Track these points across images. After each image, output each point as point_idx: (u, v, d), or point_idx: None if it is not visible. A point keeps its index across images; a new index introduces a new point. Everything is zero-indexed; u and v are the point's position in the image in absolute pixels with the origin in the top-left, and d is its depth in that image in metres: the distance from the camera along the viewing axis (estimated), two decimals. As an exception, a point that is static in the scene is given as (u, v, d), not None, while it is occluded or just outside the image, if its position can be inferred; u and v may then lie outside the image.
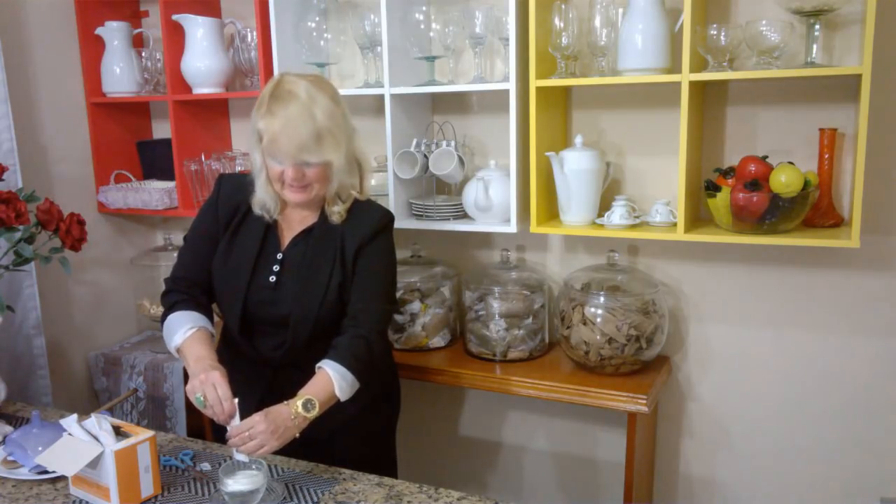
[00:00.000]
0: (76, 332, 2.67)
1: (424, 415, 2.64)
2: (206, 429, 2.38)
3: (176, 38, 2.47)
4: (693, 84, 1.84)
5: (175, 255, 1.84)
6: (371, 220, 1.68)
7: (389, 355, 1.91)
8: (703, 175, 2.06)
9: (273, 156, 1.57)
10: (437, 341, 2.33)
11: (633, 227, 2.02)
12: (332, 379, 1.53)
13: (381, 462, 1.85)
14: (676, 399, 2.28)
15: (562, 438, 2.47)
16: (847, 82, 1.89)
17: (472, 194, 2.15)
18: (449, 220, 2.22)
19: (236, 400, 1.49)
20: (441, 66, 2.27)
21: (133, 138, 2.81)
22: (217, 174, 2.33)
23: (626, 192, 2.19)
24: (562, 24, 2.00)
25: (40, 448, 1.57)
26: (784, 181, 1.79)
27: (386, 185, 2.24)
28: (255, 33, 2.41)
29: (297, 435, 1.48)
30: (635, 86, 2.10)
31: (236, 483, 1.42)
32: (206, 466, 1.62)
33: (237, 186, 1.72)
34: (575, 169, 2.02)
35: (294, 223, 1.71)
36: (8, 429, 1.78)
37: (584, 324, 2.06)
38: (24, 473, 1.57)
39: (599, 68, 2.04)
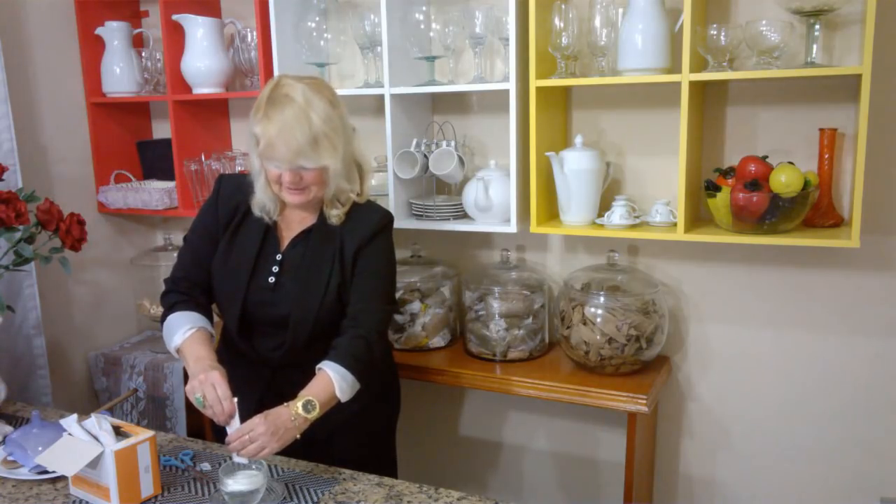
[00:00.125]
0: (76, 332, 2.67)
1: (424, 415, 2.64)
2: (206, 429, 2.38)
3: (176, 38, 2.47)
4: (693, 84, 1.84)
5: (175, 255, 1.84)
6: (370, 220, 1.68)
7: (389, 355, 1.91)
8: (703, 175, 2.06)
9: (270, 160, 1.56)
10: (437, 341, 2.33)
11: (633, 227, 2.02)
12: (333, 380, 1.53)
13: (381, 462, 1.85)
14: (676, 399, 2.28)
15: (562, 438, 2.47)
16: (847, 82, 1.89)
17: (472, 194, 2.15)
18: (449, 220, 2.22)
19: (235, 399, 1.49)
20: (441, 66, 2.27)
21: (133, 138, 2.81)
22: (217, 174, 2.33)
23: (626, 192, 2.19)
24: (562, 24, 2.00)
25: (40, 448, 1.57)
26: (784, 181, 1.79)
27: (386, 185, 2.24)
28: (255, 33, 2.41)
29: (298, 436, 1.48)
30: (635, 86, 2.10)
31: (236, 483, 1.42)
32: (206, 466, 1.62)
33: (237, 187, 1.72)
34: (575, 169, 2.02)
35: (293, 224, 1.71)
36: (8, 429, 1.78)
37: (584, 324, 2.06)
38: (24, 473, 1.57)
39: (599, 68, 2.04)
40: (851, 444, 2.09)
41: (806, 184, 1.80)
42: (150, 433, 1.50)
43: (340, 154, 1.58)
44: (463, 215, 2.23)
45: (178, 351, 1.64)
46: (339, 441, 1.74)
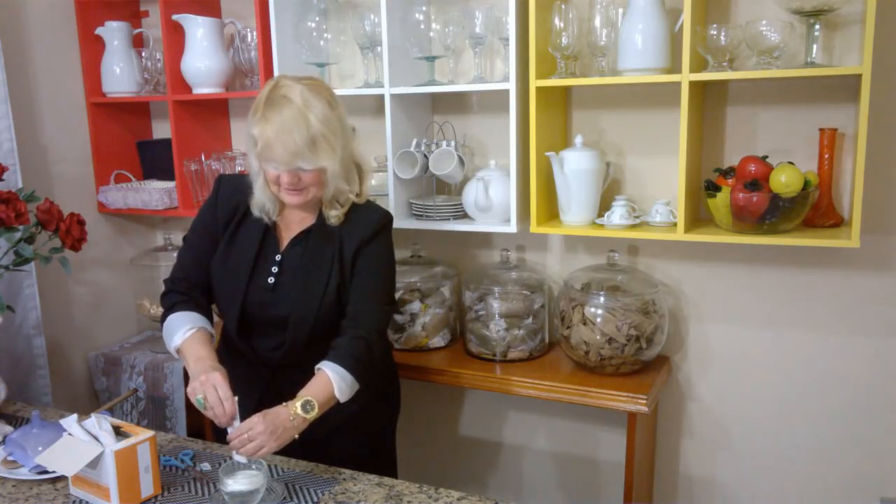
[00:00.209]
0: (76, 332, 2.67)
1: (424, 415, 2.64)
2: (206, 429, 2.38)
3: (176, 38, 2.47)
4: (693, 84, 1.84)
5: (175, 255, 1.84)
6: (370, 220, 1.68)
7: (389, 355, 1.91)
8: (703, 175, 2.06)
9: (268, 161, 1.56)
10: (437, 341, 2.33)
11: (633, 227, 2.02)
12: (332, 380, 1.53)
13: (381, 462, 1.85)
14: (676, 399, 2.28)
15: (562, 438, 2.47)
16: (847, 82, 1.88)
17: (472, 194, 2.15)
18: (449, 220, 2.22)
19: (236, 399, 1.49)
20: (441, 66, 2.27)
21: (133, 138, 2.81)
22: (217, 174, 2.33)
23: (626, 192, 2.19)
24: (562, 24, 2.00)
25: (40, 448, 1.57)
26: (784, 181, 1.79)
27: (386, 185, 2.24)
28: (255, 33, 2.41)
29: (296, 436, 1.48)
30: (635, 86, 2.10)
31: (236, 483, 1.43)
32: (206, 466, 1.62)
33: (236, 187, 1.72)
34: (575, 169, 2.02)
35: (293, 224, 1.71)
36: (8, 429, 1.78)
37: (584, 324, 2.06)
38: (24, 473, 1.57)
39: (599, 68, 2.04)
40: (851, 444, 2.09)
41: (806, 184, 1.81)
42: (150, 433, 1.50)
43: (339, 155, 1.57)
44: (463, 215, 2.23)
45: (178, 351, 1.64)
46: (339, 441, 1.74)
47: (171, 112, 2.50)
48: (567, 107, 2.22)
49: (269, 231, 1.70)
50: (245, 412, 1.50)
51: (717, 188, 1.89)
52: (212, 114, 2.65)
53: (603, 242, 2.25)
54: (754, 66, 1.87)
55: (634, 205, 2.07)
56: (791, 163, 1.87)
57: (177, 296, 1.71)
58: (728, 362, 2.20)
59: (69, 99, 2.60)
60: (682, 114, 1.84)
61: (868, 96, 1.66)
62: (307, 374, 1.56)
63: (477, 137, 2.35)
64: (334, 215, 1.66)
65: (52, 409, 1.99)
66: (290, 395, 1.52)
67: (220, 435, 1.74)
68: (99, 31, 2.61)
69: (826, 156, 1.89)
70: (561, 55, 2.03)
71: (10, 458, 1.61)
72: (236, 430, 1.46)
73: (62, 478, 1.56)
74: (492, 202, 2.12)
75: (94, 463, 1.44)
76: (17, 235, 1.91)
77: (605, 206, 2.09)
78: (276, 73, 2.28)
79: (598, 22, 1.98)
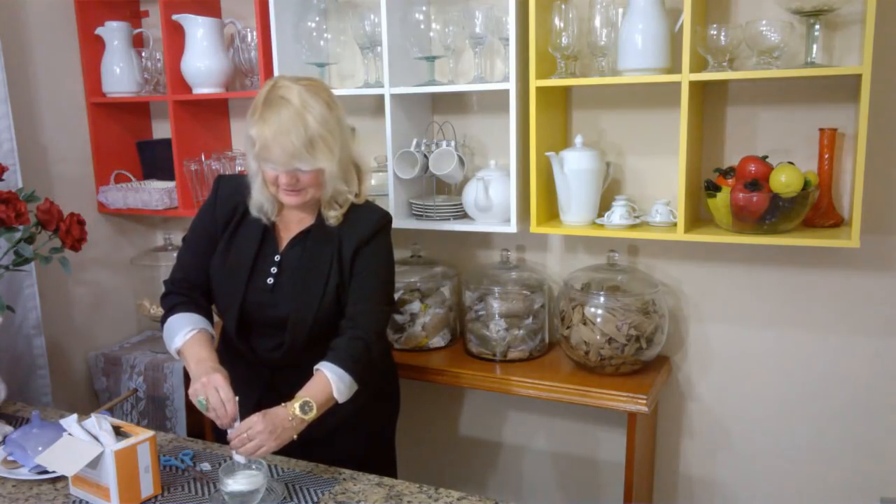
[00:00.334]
0: (76, 332, 2.67)
1: (424, 415, 2.64)
2: (206, 429, 2.38)
3: (176, 38, 2.47)
4: (693, 84, 1.84)
5: (175, 255, 1.84)
6: (369, 221, 1.68)
7: (388, 356, 1.91)
8: (703, 175, 2.06)
9: (266, 161, 1.56)
10: (437, 341, 2.33)
11: (633, 227, 2.02)
12: (330, 381, 1.53)
13: (381, 462, 1.85)
14: (676, 399, 2.28)
15: (562, 438, 2.47)
16: (847, 82, 1.88)
17: (472, 194, 2.15)
18: (449, 220, 2.22)
19: (236, 399, 1.49)
20: (441, 66, 2.27)
21: (133, 138, 2.81)
22: (217, 174, 2.33)
23: (626, 192, 2.19)
24: (562, 24, 2.00)
25: (40, 448, 1.57)
26: (784, 181, 1.79)
27: (386, 185, 2.24)
28: (255, 33, 2.41)
29: (295, 437, 1.48)
30: (635, 86, 2.10)
31: (236, 483, 1.43)
32: (206, 466, 1.62)
33: (235, 187, 1.71)
34: (575, 169, 2.02)
35: (291, 225, 1.71)
36: (8, 429, 1.78)
37: (584, 324, 2.06)
38: (24, 473, 1.57)
39: (599, 68, 2.04)
40: (851, 444, 2.09)
41: (806, 184, 1.81)
42: (150, 433, 1.50)
43: (337, 156, 1.57)
44: (463, 215, 2.23)
45: (179, 353, 1.64)
46: (339, 441, 1.74)
47: (171, 112, 2.50)
48: (567, 107, 2.22)
49: (268, 231, 1.70)
50: (244, 412, 1.50)
51: (717, 188, 1.89)
52: (212, 114, 2.65)
53: (603, 242, 2.25)
54: (754, 66, 1.87)
55: (634, 205, 2.07)
56: (791, 163, 1.87)
57: (177, 297, 1.71)
58: (728, 362, 2.20)
59: (69, 99, 2.60)
60: (682, 114, 1.84)
61: (868, 96, 1.66)
62: (306, 374, 1.56)
63: (477, 137, 2.35)
64: (333, 216, 1.66)
65: (52, 409, 1.99)
66: (290, 395, 1.52)
67: (220, 435, 1.74)
68: (99, 31, 2.61)
69: (826, 156, 1.89)
70: (561, 55, 2.03)
71: (10, 458, 1.61)
72: (236, 429, 1.46)
73: (62, 478, 1.56)
74: (492, 202, 2.12)
75: (94, 463, 1.44)
76: (17, 235, 1.91)
77: (605, 206, 2.09)
78: (276, 73, 2.28)
79: (598, 22, 1.98)
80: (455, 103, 2.36)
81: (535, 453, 2.52)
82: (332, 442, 1.72)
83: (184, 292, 1.72)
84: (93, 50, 2.63)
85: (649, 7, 1.87)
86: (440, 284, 2.33)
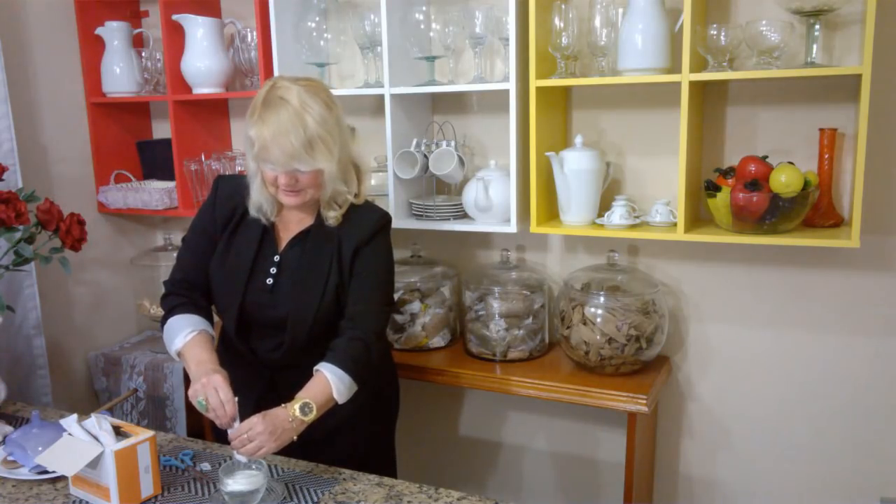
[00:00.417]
0: (76, 332, 2.67)
1: (424, 415, 2.64)
2: (205, 429, 2.38)
3: (176, 38, 2.47)
4: (693, 84, 1.84)
5: (175, 255, 1.84)
6: (368, 221, 1.68)
7: (388, 356, 1.91)
8: (703, 175, 2.06)
9: (265, 162, 1.56)
10: (437, 341, 2.33)
11: (633, 227, 2.02)
12: (330, 382, 1.53)
13: (381, 462, 1.85)
14: (676, 399, 2.28)
15: (562, 438, 2.47)
16: (847, 82, 1.88)
17: (472, 194, 2.15)
18: (449, 220, 2.22)
19: (236, 399, 1.50)
20: (441, 66, 2.27)
21: (133, 138, 2.81)
22: (217, 174, 2.33)
23: (626, 192, 2.19)
24: (562, 24, 2.00)
25: (40, 448, 1.57)
26: (784, 181, 1.79)
27: (386, 185, 2.24)
28: (255, 33, 2.41)
29: (295, 438, 1.48)
30: (635, 86, 2.10)
31: (236, 483, 1.43)
32: (206, 466, 1.62)
33: (234, 188, 1.71)
34: (575, 169, 2.02)
35: (291, 225, 1.71)
36: (8, 429, 1.78)
37: (584, 324, 2.06)
38: (24, 473, 1.57)
39: (599, 68, 2.04)
40: (851, 444, 2.09)
41: (806, 184, 1.80)
42: (150, 433, 1.50)
43: (336, 156, 1.57)
44: (463, 215, 2.23)
45: (179, 355, 1.64)
46: (339, 441, 1.74)
47: (171, 112, 2.50)
48: (567, 107, 2.22)
49: (267, 232, 1.70)
50: (244, 413, 1.50)
51: (717, 188, 1.89)
52: (212, 114, 2.65)
53: (603, 242, 2.25)
54: (754, 66, 1.87)
55: (634, 205, 2.07)
56: (791, 163, 1.87)
57: (177, 298, 1.71)
58: (728, 362, 2.20)
59: (69, 99, 2.60)
60: (682, 114, 1.84)
61: (868, 96, 1.66)
62: (306, 374, 1.56)
63: (477, 137, 2.35)
64: (332, 216, 1.65)
65: (52, 409, 1.99)
66: (289, 395, 1.52)
67: (220, 435, 1.74)
68: (99, 31, 2.61)
69: (826, 156, 1.89)
70: (561, 55, 2.03)
71: (10, 458, 1.61)
72: (236, 430, 1.46)
73: (62, 478, 1.56)
74: (492, 202, 2.12)
75: (94, 463, 1.44)
76: (17, 235, 1.91)
77: (605, 206, 2.09)
78: (276, 73, 2.28)
79: (598, 22, 1.98)
80: (455, 103, 2.36)
81: (535, 453, 2.52)
82: (332, 442, 1.72)
83: (184, 293, 1.72)
84: (93, 50, 2.63)
85: (649, 7, 1.87)
86: (440, 284, 2.33)
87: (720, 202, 1.88)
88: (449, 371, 2.17)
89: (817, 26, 1.80)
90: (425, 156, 2.21)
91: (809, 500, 2.17)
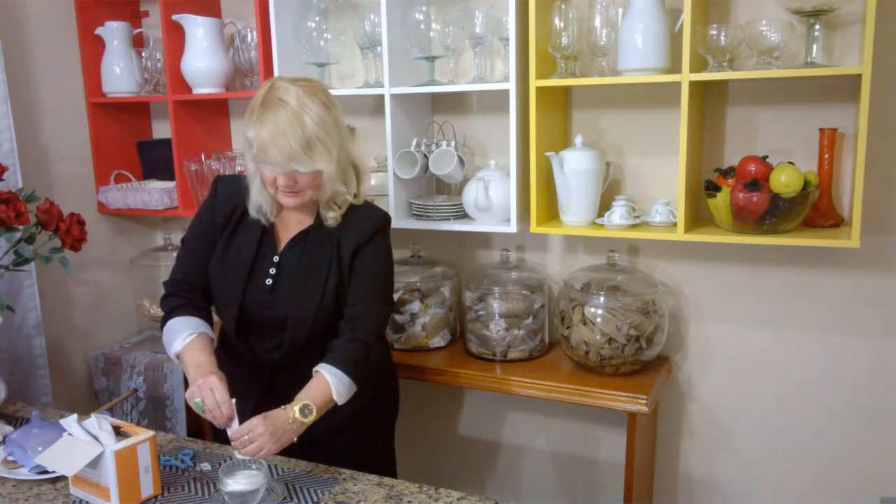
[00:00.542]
0: (76, 332, 2.67)
1: (424, 415, 2.64)
2: (205, 429, 2.38)
3: (176, 38, 2.47)
4: (693, 84, 1.84)
5: (175, 255, 1.85)
6: (368, 222, 1.68)
7: (388, 356, 1.91)
8: (703, 175, 2.06)
9: (263, 163, 1.56)
10: (437, 341, 2.33)
11: (633, 227, 2.02)
12: (330, 383, 1.53)
13: (381, 462, 1.85)
14: (676, 399, 2.28)
15: (562, 438, 2.47)
16: (847, 82, 1.88)
17: (472, 194, 2.15)
18: (449, 220, 2.22)
19: (233, 400, 1.50)
20: (441, 66, 2.27)
21: (133, 138, 2.81)
22: (217, 174, 2.33)
23: (626, 192, 2.19)
24: (562, 24, 2.00)
25: (40, 448, 1.57)
26: (784, 181, 1.79)
27: (386, 185, 2.24)
28: (255, 33, 2.41)
29: (295, 439, 1.48)
30: (635, 86, 2.10)
31: (236, 483, 1.43)
32: (206, 466, 1.62)
33: (234, 188, 1.71)
34: (575, 169, 2.02)
35: (291, 225, 1.71)
36: (8, 429, 1.78)
37: (584, 324, 2.06)
38: (24, 473, 1.57)
39: (599, 68, 2.04)
40: (851, 444, 2.09)
41: (806, 184, 1.80)
42: (150, 433, 1.50)
43: (335, 157, 1.56)
44: (463, 215, 2.23)
45: (177, 357, 1.64)
46: (339, 441, 1.74)
47: (171, 112, 2.50)
48: (567, 107, 2.22)
49: (266, 232, 1.70)
50: (243, 413, 1.50)
51: (717, 188, 1.89)
52: (212, 114, 2.65)
53: (603, 242, 2.25)
54: (754, 66, 1.87)
55: (634, 205, 2.07)
56: (791, 163, 1.87)
57: (176, 299, 1.71)
58: (728, 362, 2.20)
59: (69, 99, 2.60)
60: (682, 114, 1.84)
61: (868, 96, 1.66)
62: (305, 375, 1.56)
63: (477, 137, 2.35)
64: (332, 217, 1.65)
65: (52, 409, 1.99)
66: (289, 395, 1.52)
67: (219, 435, 1.74)
68: (99, 31, 2.61)
69: (826, 156, 1.89)
70: (561, 55, 2.03)
71: (10, 458, 1.61)
72: (237, 430, 1.46)
73: (62, 478, 1.56)
74: (492, 202, 2.12)
75: (94, 463, 1.44)
76: (17, 235, 1.91)
77: (605, 206, 2.09)
78: (276, 73, 2.28)
79: (598, 22, 1.98)
80: (455, 103, 2.36)
81: (535, 453, 2.52)
82: (332, 442, 1.72)
83: (183, 294, 1.72)
84: (93, 50, 2.63)
85: (649, 7, 1.87)
86: (440, 284, 2.33)
87: (720, 202, 1.88)
88: (449, 371, 2.17)
89: (817, 26, 1.80)
90: (425, 156, 2.21)
91: (809, 500, 2.17)
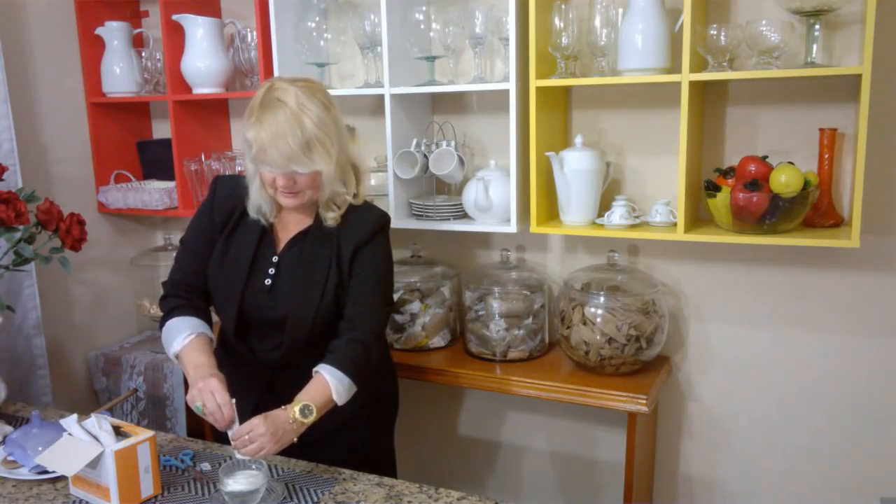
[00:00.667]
0: (76, 332, 2.67)
1: (424, 415, 2.64)
2: (205, 429, 2.38)
3: (176, 38, 2.47)
4: (693, 84, 1.84)
5: (175, 255, 1.85)
6: (367, 222, 1.67)
7: (387, 356, 1.90)
8: (703, 175, 2.06)
9: (263, 164, 1.56)
10: (437, 341, 2.33)
11: (633, 227, 2.02)
12: (330, 384, 1.53)
13: (381, 462, 1.85)
14: (676, 399, 2.28)
15: (562, 438, 2.47)
16: (847, 82, 1.88)
17: (472, 194, 2.15)
18: (449, 220, 2.22)
19: (233, 400, 1.50)
20: (441, 66, 2.27)
21: (133, 138, 2.81)
22: (216, 174, 2.33)
23: (626, 192, 2.19)
24: (562, 24, 2.00)
25: (40, 448, 1.57)
26: (784, 181, 1.79)
27: (386, 185, 2.24)
28: (255, 33, 2.41)
29: (295, 440, 1.48)
30: (635, 86, 2.10)
31: (236, 483, 1.43)
32: (206, 466, 1.62)
33: (233, 188, 1.71)
34: (575, 169, 2.02)
35: (290, 226, 1.71)
36: (8, 429, 1.78)
37: (584, 324, 2.06)
38: (24, 473, 1.57)
39: (599, 68, 2.04)
40: (851, 444, 2.09)
41: (806, 184, 1.80)
42: (150, 433, 1.50)
43: (334, 158, 1.56)
44: (463, 215, 2.23)
45: (177, 358, 1.64)
46: (339, 441, 1.74)
47: (171, 112, 2.50)
48: (567, 107, 2.22)
49: (266, 232, 1.70)
50: (243, 413, 1.50)
51: (717, 188, 1.89)
52: (212, 114, 2.66)
53: (603, 242, 2.25)
54: (754, 66, 1.87)
55: (634, 205, 2.07)
56: (791, 163, 1.87)
57: (175, 300, 1.71)
58: (728, 362, 2.20)
59: (69, 99, 2.60)
60: (682, 114, 1.84)
61: (868, 96, 1.66)
62: (305, 375, 1.56)
63: (477, 137, 2.35)
64: (331, 217, 1.65)
65: (52, 409, 1.99)
66: (289, 396, 1.52)
67: (219, 435, 1.74)
68: (99, 31, 2.61)
69: (826, 156, 1.89)
70: (561, 55, 2.03)
71: (10, 458, 1.61)
72: (238, 431, 1.46)
73: (62, 478, 1.56)
74: (492, 202, 2.12)
75: (94, 463, 1.44)
76: (17, 235, 1.91)
77: (605, 206, 2.09)
78: (276, 72, 2.28)
79: (598, 22, 1.98)
80: (455, 103, 2.36)
81: (535, 453, 2.52)
82: (332, 442, 1.72)
83: (182, 295, 1.72)
84: (93, 50, 2.63)
85: (649, 7, 1.87)
86: (440, 284, 2.33)
87: (720, 202, 1.88)
88: (449, 371, 2.17)
89: (817, 26, 1.80)
90: (425, 156, 2.21)
91: (809, 500, 2.17)
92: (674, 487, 2.35)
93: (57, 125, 2.55)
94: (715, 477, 2.29)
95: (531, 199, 2.04)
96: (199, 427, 2.48)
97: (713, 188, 1.90)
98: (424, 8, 2.21)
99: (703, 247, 2.15)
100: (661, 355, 2.17)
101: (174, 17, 2.42)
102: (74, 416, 1.56)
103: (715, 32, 1.86)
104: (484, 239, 2.43)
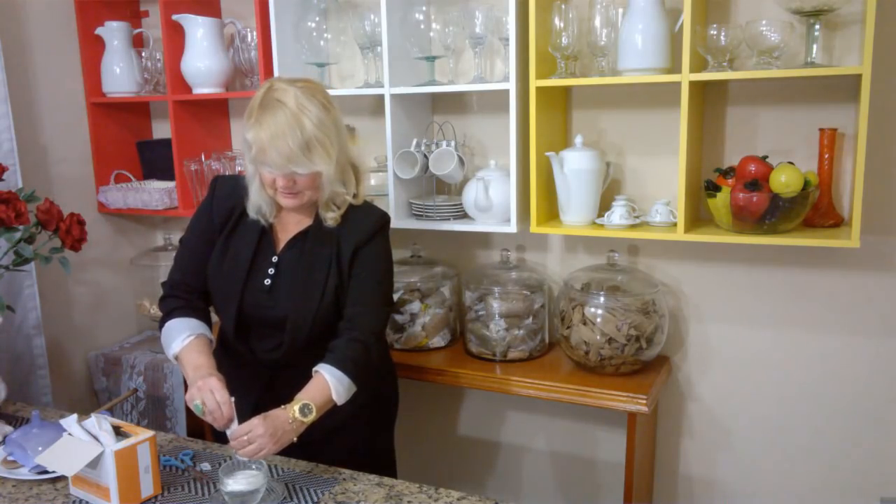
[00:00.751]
0: (76, 332, 2.67)
1: (424, 415, 2.64)
2: (205, 429, 2.38)
3: (176, 38, 2.47)
4: (693, 84, 1.84)
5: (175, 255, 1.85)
6: (367, 222, 1.67)
7: (387, 356, 1.90)
8: (703, 175, 2.06)
9: (262, 164, 1.56)
10: (437, 341, 2.33)
11: (633, 227, 2.02)
12: (329, 384, 1.53)
13: (380, 462, 1.85)
14: (676, 399, 2.28)
15: (562, 438, 2.47)
16: (847, 82, 1.88)
17: (472, 194, 2.15)
18: (449, 220, 2.22)
19: (233, 399, 1.50)
20: (441, 66, 2.27)
21: (133, 138, 2.81)
22: (216, 174, 2.33)
23: (626, 192, 2.19)
24: (562, 24, 2.00)
25: (40, 448, 1.57)
26: (784, 181, 1.79)
27: (386, 185, 2.24)
28: (255, 33, 2.41)
29: (295, 439, 1.48)
30: (635, 86, 2.10)
31: (236, 483, 1.43)
32: (206, 466, 1.62)
33: (232, 188, 1.71)
34: (575, 169, 2.02)
35: (290, 226, 1.70)
36: (8, 429, 1.78)
37: (584, 324, 2.06)
38: (24, 473, 1.57)
39: (599, 68, 2.04)
40: (851, 444, 2.09)
41: (806, 184, 1.80)
42: (150, 433, 1.50)
43: (334, 158, 1.56)
44: (463, 215, 2.23)
45: (176, 359, 1.64)
46: (339, 441, 1.74)
47: (171, 112, 2.50)
48: (567, 107, 2.22)
49: (265, 233, 1.70)
50: (242, 413, 1.50)
51: (717, 188, 1.89)
52: (212, 114, 2.66)
53: (603, 242, 2.25)
54: (754, 66, 1.87)
55: (634, 205, 2.07)
56: (791, 163, 1.87)
57: (175, 301, 1.71)
58: (728, 362, 2.20)
59: (69, 99, 2.60)
60: (682, 114, 1.84)
61: (868, 96, 1.66)
62: (305, 375, 1.56)
63: (477, 137, 2.35)
64: (331, 217, 1.65)
65: (52, 409, 1.99)
66: (288, 396, 1.52)
67: (219, 435, 1.74)
68: (99, 31, 2.61)
69: (826, 156, 1.89)
70: (561, 55, 2.03)
71: (10, 458, 1.61)
72: (236, 431, 1.46)
73: (62, 478, 1.56)
74: (492, 202, 2.12)
75: (94, 463, 1.44)
76: (17, 235, 1.91)
77: (605, 206, 2.09)
78: (276, 73, 2.28)
79: (598, 22, 1.98)
80: (455, 103, 2.36)
81: (535, 453, 2.52)
82: (332, 442, 1.72)
83: (182, 295, 1.72)
84: (93, 50, 2.63)
85: (649, 7, 1.87)
86: (440, 284, 2.33)
87: (720, 202, 1.88)
88: (449, 371, 2.17)
89: (817, 26, 1.80)
90: (425, 156, 2.21)
91: (809, 500, 2.17)
92: (674, 487, 2.35)
93: (57, 125, 2.55)
94: (715, 477, 2.29)
95: (531, 199, 2.04)
96: (199, 427, 2.48)
97: (713, 188, 1.90)
98: (424, 8, 2.21)
99: (703, 247, 2.15)
100: (661, 355, 2.17)
101: (174, 17, 2.42)
102: (74, 416, 1.56)
103: (715, 32, 1.86)
104: (484, 239, 2.43)
